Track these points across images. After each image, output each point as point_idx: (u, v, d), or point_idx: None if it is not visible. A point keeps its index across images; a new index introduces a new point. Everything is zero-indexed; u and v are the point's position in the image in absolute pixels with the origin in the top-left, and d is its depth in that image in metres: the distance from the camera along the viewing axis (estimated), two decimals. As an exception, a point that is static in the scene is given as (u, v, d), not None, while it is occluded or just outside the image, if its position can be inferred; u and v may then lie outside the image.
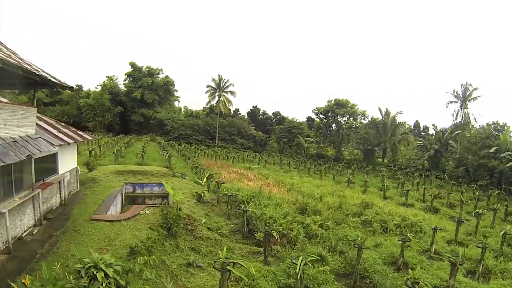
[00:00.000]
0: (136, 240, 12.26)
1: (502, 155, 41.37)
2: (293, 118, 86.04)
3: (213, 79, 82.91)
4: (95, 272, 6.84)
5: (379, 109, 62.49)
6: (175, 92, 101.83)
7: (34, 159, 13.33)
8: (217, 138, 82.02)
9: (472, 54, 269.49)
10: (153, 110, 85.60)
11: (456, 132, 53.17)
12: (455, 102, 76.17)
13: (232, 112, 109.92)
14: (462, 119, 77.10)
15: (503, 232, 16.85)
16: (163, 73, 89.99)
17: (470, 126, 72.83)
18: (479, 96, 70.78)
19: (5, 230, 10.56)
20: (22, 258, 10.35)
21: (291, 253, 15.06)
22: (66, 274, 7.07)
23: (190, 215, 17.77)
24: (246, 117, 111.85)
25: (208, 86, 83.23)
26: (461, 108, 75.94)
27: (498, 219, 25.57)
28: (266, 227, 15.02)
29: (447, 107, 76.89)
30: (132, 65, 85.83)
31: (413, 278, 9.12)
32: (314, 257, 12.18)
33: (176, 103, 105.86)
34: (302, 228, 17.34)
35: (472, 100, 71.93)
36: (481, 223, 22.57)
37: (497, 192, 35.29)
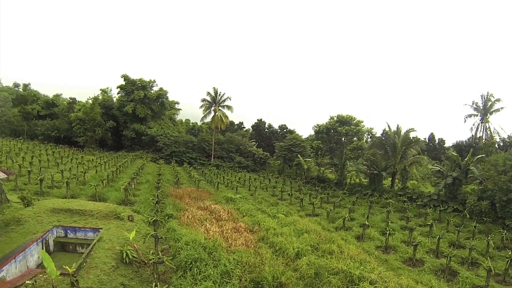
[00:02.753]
0: None
1: None
2: (296, 133, 79.26)
3: (208, 93, 77.90)
4: None
5: (388, 125, 54.55)
6: (176, 105, 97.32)
7: None
8: (212, 156, 76.71)
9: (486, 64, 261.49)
10: (146, 125, 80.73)
11: (479, 157, 45.66)
12: (474, 115, 70.87)
13: (236, 126, 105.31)
14: (484, 134, 70.89)
15: None
16: (157, 85, 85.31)
17: (496, 145, 66.46)
18: (502, 108, 68.07)
19: None
20: None
21: None
22: None
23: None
24: (250, 130, 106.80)
25: (203, 100, 78.15)
26: (481, 122, 70.40)
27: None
28: None
29: (465, 121, 71.98)
30: (125, 77, 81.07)
31: None
32: None
33: (176, 116, 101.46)
34: None
35: (494, 112, 69.14)
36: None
37: None
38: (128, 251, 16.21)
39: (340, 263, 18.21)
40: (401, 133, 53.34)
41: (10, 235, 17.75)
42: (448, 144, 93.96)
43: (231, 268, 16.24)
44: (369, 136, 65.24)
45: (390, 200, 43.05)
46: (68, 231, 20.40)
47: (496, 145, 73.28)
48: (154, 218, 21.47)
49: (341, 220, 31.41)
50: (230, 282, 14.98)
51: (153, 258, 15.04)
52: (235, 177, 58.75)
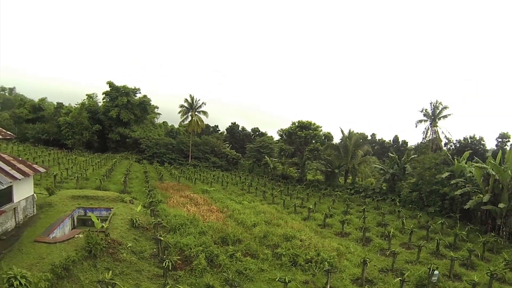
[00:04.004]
0: (60, 259, 15.25)
1: (454, 181, 41.19)
2: (266, 136, 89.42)
3: (186, 99, 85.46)
4: (13, 281, 11.18)
5: (341, 131, 63.97)
6: (155, 109, 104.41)
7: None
8: (190, 157, 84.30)
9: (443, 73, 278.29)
10: (130, 129, 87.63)
11: (412, 157, 55.05)
12: (424, 120, 78.64)
13: (211, 129, 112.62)
14: (431, 137, 79.42)
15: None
16: (140, 93, 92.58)
17: (441, 144, 74.80)
18: (449, 115, 74.67)
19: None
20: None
21: (188, 279, 17.38)
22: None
23: (115, 240, 20.18)
24: (225, 133, 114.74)
25: (181, 106, 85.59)
26: (431, 126, 78.43)
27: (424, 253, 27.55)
28: (168, 258, 17.28)
29: (416, 126, 78.45)
30: (110, 84, 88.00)
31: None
32: None
33: (156, 120, 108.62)
34: (204, 258, 19.28)
35: (442, 118, 75.28)
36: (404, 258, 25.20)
37: (439, 221, 34.98)
38: (137, 219, 24.26)
39: (282, 230, 26.75)
40: (353, 136, 62.61)
41: (47, 213, 25.07)
42: (411, 144, 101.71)
43: (206, 230, 24.54)
44: (326, 140, 73.63)
45: (338, 192, 52.14)
46: (87, 210, 28.02)
47: (453, 146, 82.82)
48: (151, 200, 29.63)
49: (293, 206, 40.08)
50: (205, 237, 23.22)
51: (154, 221, 23.20)
52: (210, 175, 67.05)
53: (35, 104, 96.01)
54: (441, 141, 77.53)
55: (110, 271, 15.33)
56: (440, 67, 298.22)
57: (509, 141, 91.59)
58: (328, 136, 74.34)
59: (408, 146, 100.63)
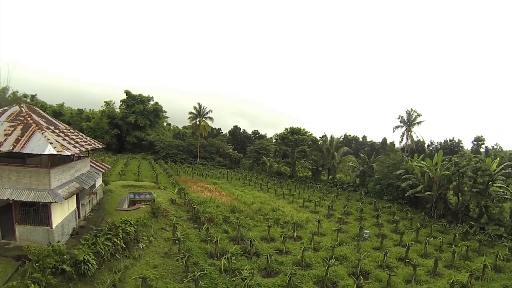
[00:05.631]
0: (138, 217, 27.42)
1: (405, 176, 51.97)
2: (266, 138, 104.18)
3: (195, 107, 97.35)
4: (127, 221, 23.23)
5: (325, 136, 78.19)
6: (164, 113, 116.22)
7: (90, 180, 28.67)
8: (198, 157, 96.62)
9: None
10: (145, 132, 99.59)
11: (378, 157, 68.14)
12: (400, 126, 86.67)
13: (215, 131, 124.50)
14: (407, 141, 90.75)
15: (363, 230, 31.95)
16: (153, 100, 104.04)
17: (425, 146, 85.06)
18: (422, 121, 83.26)
19: (83, 211, 26.22)
20: (93, 222, 25.56)
21: (213, 228, 30.33)
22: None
23: (165, 209, 33.16)
24: (228, 135, 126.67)
25: (191, 113, 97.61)
26: (406, 132, 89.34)
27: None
28: (201, 215, 30.31)
29: (393, 131, 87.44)
30: (127, 93, 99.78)
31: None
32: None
33: (164, 123, 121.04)
34: (221, 218, 32.47)
35: (416, 124, 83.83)
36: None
37: (387, 205, 49.03)
38: (175, 197, 37.26)
39: (271, 206, 39.99)
40: (334, 140, 76.16)
41: (111, 196, 37.19)
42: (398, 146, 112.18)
43: (220, 205, 37.66)
44: (318, 142, 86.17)
45: (319, 185, 65.47)
46: (136, 195, 40.36)
47: (435, 148, 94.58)
48: (180, 187, 42.73)
49: (282, 194, 53.18)
50: (220, 208, 36.25)
51: (188, 198, 36.28)
52: (217, 172, 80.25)
53: (55, 110, 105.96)
54: (416, 144, 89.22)
55: (174, 218, 28.35)
56: (430, 68, 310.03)
57: (483, 143, 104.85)
58: (315, 140, 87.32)
59: (395, 147, 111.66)
